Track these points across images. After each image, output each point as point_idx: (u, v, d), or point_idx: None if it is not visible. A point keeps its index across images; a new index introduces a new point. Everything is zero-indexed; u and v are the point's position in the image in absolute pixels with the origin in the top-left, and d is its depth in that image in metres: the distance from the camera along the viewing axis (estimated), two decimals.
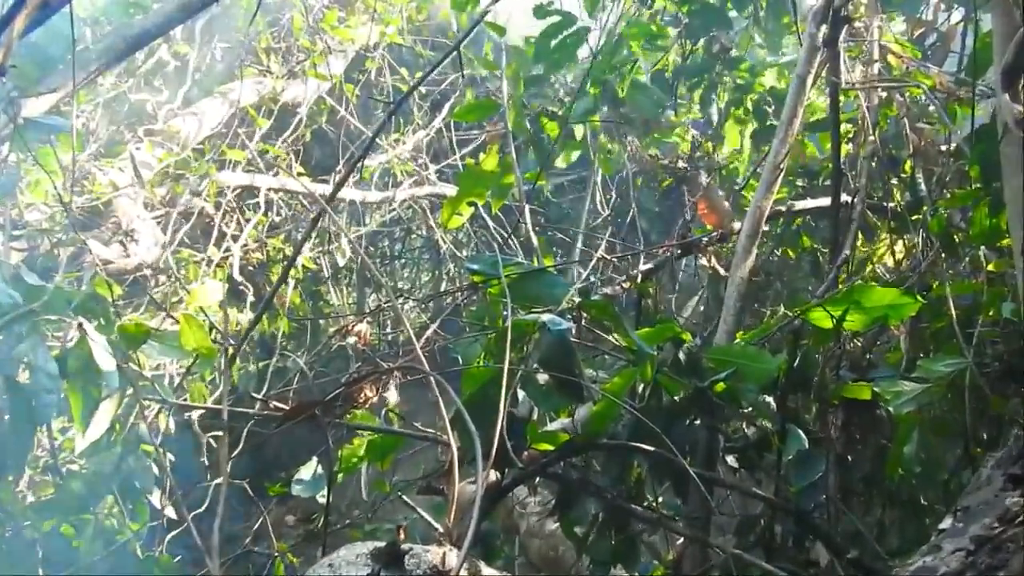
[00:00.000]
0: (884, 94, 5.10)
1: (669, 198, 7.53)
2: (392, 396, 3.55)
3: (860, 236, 5.02)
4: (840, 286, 4.10)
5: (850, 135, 5.39)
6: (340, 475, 3.61)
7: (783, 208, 5.58)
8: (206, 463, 6.08)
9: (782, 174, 4.37)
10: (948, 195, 4.58)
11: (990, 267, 3.99)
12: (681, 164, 6.66)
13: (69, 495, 5.33)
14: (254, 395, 3.89)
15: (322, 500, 3.62)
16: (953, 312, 3.67)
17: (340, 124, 8.57)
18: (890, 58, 5.15)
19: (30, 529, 5.26)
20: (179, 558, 5.45)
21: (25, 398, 3.99)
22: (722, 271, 5.16)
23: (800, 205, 5.71)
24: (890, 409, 3.48)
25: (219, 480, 5.80)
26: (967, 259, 4.36)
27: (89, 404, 4.03)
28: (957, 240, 4.36)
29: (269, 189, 7.77)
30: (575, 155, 6.72)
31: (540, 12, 5.97)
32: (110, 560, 5.19)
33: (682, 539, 3.71)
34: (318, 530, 3.89)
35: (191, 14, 5.51)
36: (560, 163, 6.84)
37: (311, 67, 8.13)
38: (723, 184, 6.61)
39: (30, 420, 4.05)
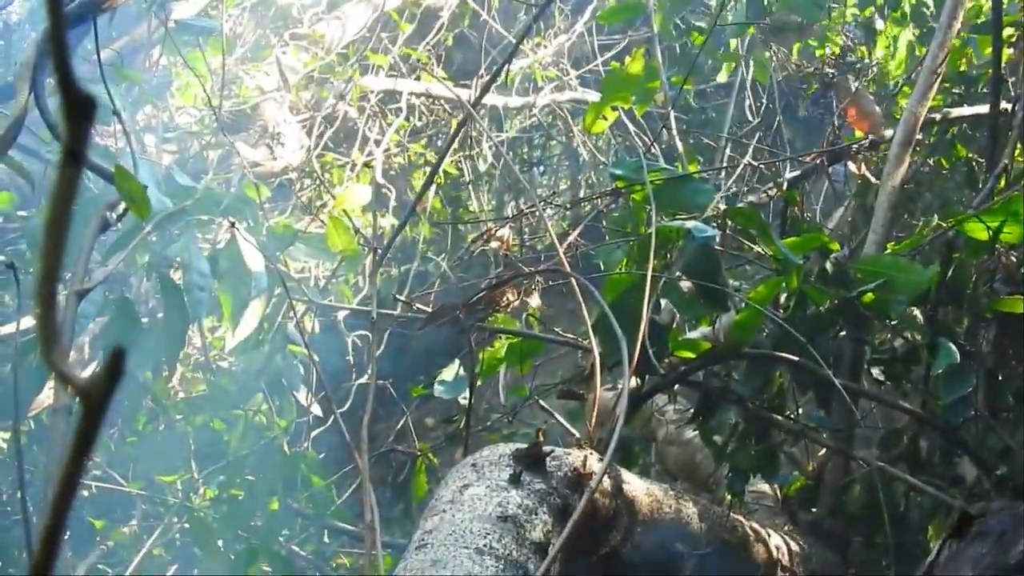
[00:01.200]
0: None
1: (816, 105, 7.31)
2: (534, 301, 3.56)
3: (1019, 145, 4.81)
4: (996, 197, 3.96)
5: (1012, 39, 5.15)
6: (481, 378, 3.65)
7: (937, 116, 5.37)
8: (351, 363, 6.22)
9: (939, 80, 4.20)
10: None
11: None
12: (828, 69, 6.44)
13: (220, 391, 5.53)
14: (397, 297, 3.93)
15: (462, 402, 3.68)
16: None
17: (482, 28, 8.52)
18: None
19: (183, 423, 5.48)
20: (323, 455, 5.63)
21: (178, 296, 4.11)
22: (872, 179, 5.02)
23: (956, 112, 5.49)
24: None
25: (363, 380, 5.97)
26: None
27: (239, 303, 4.15)
28: None
29: (411, 93, 7.80)
30: (718, 60, 6.58)
31: None
32: (258, 454, 5.39)
33: (824, 450, 3.67)
34: (458, 431, 3.96)
35: None
36: (721, 78, 6.71)
37: None
38: (874, 90, 6.39)
39: (183, 317, 4.18)
